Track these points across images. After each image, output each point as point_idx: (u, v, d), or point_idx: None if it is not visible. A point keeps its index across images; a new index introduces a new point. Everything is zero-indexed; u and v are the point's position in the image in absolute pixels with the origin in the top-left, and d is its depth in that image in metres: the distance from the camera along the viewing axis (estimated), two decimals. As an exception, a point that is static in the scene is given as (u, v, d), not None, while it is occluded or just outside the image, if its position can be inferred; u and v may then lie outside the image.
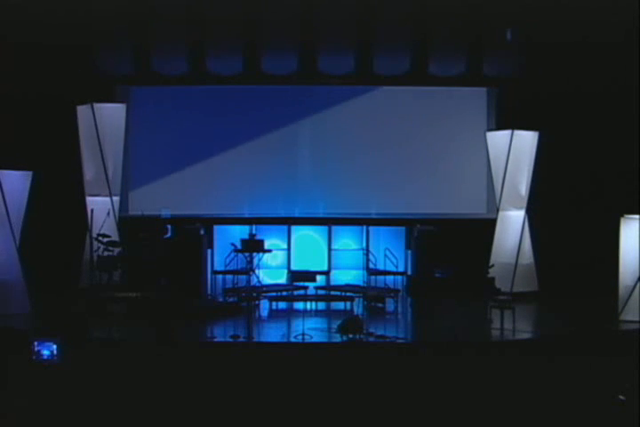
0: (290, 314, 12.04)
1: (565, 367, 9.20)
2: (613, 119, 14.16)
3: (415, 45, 14.39)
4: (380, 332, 10.08)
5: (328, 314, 12.06)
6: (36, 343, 9.10)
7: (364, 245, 14.84)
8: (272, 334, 10.44)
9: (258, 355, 9.39)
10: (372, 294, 12.58)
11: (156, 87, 15.56)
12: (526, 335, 10.76)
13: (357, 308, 12.19)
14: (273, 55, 14.74)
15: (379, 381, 8.97)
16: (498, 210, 14.19)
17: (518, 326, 10.83)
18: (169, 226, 13.13)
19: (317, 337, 9.91)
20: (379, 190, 15.48)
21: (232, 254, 12.85)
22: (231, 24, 13.47)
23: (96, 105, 14.03)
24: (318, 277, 11.94)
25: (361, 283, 13.53)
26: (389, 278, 13.60)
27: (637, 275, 11.18)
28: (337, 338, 9.84)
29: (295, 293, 13.00)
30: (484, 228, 14.26)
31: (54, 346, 9.08)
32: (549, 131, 13.97)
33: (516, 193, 14.01)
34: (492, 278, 12.67)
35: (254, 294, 12.11)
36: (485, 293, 11.96)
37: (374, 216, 15.43)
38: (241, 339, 9.70)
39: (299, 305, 12.54)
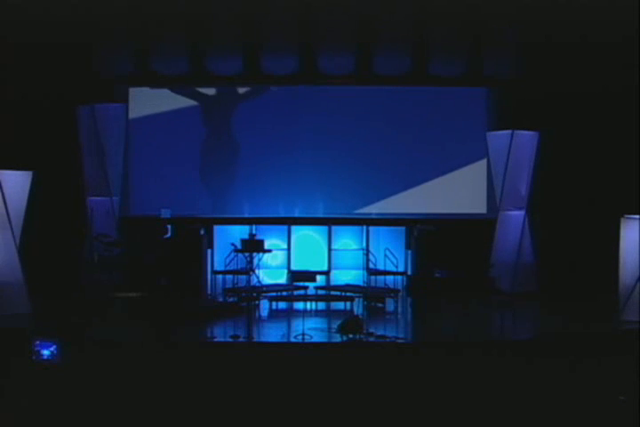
0: (290, 314, 12.04)
1: (565, 367, 9.20)
2: (613, 119, 14.16)
3: (415, 45, 14.38)
4: (380, 332, 10.08)
5: (328, 314, 12.06)
6: (36, 343, 9.10)
7: (364, 245, 14.86)
8: (272, 334, 10.44)
9: (258, 355, 9.38)
10: (372, 294, 12.58)
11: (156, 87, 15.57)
12: (526, 335, 10.76)
13: (357, 308, 12.19)
14: (273, 55, 14.73)
15: (379, 381, 8.97)
16: (498, 210, 14.20)
17: (518, 326, 10.83)
18: (169, 226, 13.14)
19: (317, 337, 9.91)
20: (379, 190, 15.49)
21: (232, 254, 12.85)
22: (231, 24, 13.46)
23: (96, 105, 14.05)
24: (318, 277, 11.95)
25: (361, 283, 13.54)
26: (389, 278, 13.60)
27: (637, 275, 11.17)
28: (337, 338, 9.84)
29: (295, 293, 13.00)
30: (484, 228, 14.27)
31: (54, 346, 9.09)
32: (549, 131, 13.97)
33: (516, 193, 14.02)
34: (493, 278, 12.67)
35: (254, 294, 12.12)
36: (485, 293, 11.95)
37: (374, 216, 15.44)
38: (241, 339, 9.70)
39: (299, 305, 12.54)
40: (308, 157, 15.51)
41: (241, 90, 15.70)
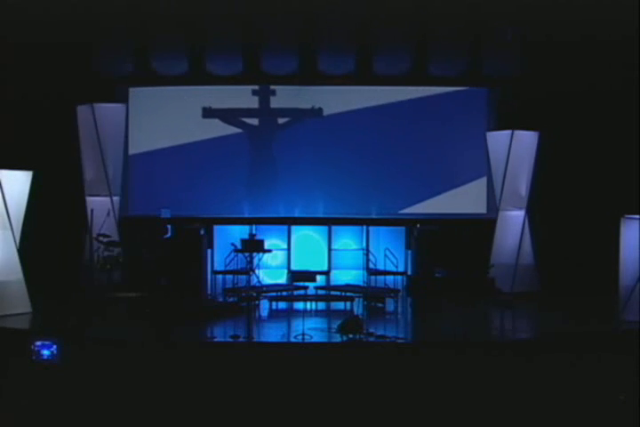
0: (290, 314, 12.03)
1: (565, 367, 9.20)
2: (613, 119, 14.16)
3: (415, 45, 14.38)
4: (380, 332, 10.07)
5: (328, 314, 12.05)
6: (36, 343, 9.10)
7: (364, 245, 14.86)
8: (272, 334, 10.43)
9: (258, 355, 9.38)
10: (372, 294, 12.58)
11: (156, 87, 15.56)
12: (526, 335, 10.76)
13: (357, 308, 12.19)
14: (273, 55, 14.73)
15: (379, 381, 8.97)
16: (498, 210, 14.21)
17: (518, 326, 10.82)
18: (169, 226, 13.13)
19: (317, 337, 9.90)
20: (379, 190, 15.49)
21: (232, 254, 12.85)
22: (231, 24, 13.47)
23: (96, 105, 14.05)
24: (318, 277, 11.95)
25: (361, 283, 13.54)
26: (389, 278, 13.60)
27: (637, 275, 11.17)
28: (337, 338, 9.83)
29: (295, 293, 12.99)
30: (484, 228, 14.27)
31: (54, 346, 9.09)
32: (549, 131, 13.97)
33: (516, 193, 14.02)
34: (493, 278, 12.67)
35: (254, 294, 12.11)
36: (485, 293, 11.94)
37: (374, 216, 15.43)
38: (241, 339, 9.70)
39: (299, 305, 12.53)
40: (307, 156, 15.51)
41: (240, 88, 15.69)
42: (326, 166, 15.43)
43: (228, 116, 15.57)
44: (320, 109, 15.43)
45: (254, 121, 15.67)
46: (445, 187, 15.52)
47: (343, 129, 15.54)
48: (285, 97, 15.62)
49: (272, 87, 15.58)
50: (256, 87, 15.54)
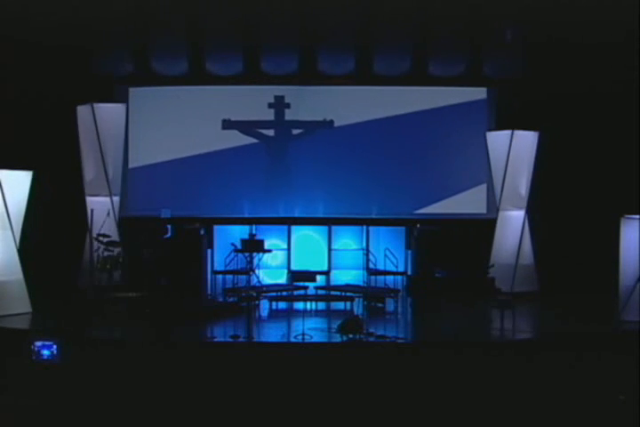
0: (290, 314, 12.04)
1: (565, 367, 9.20)
2: (613, 119, 14.16)
3: (415, 45, 14.38)
4: (380, 332, 10.07)
5: (328, 314, 12.06)
6: (36, 343, 9.11)
7: (364, 245, 14.87)
8: (272, 334, 10.43)
9: (258, 355, 9.39)
10: (372, 294, 12.58)
11: (156, 87, 15.56)
12: (526, 335, 10.76)
13: (357, 308, 12.20)
14: (273, 55, 14.74)
15: (379, 381, 8.97)
16: (498, 210, 14.21)
17: (518, 326, 10.83)
18: (169, 226, 13.13)
19: (317, 337, 9.90)
20: (379, 190, 15.48)
21: (232, 254, 12.86)
22: (231, 24, 13.47)
23: (96, 105, 14.05)
24: (318, 277, 11.96)
25: (361, 283, 13.54)
26: (389, 278, 13.61)
27: (637, 275, 11.17)
28: (337, 338, 9.83)
29: (295, 293, 13.00)
30: (484, 228, 14.27)
31: (54, 346, 9.10)
32: (549, 131, 13.97)
33: (516, 193, 14.02)
34: (492, 278, 12.67)
35: (254, 294, 12.11)
36: (485, 293, 11.94)
37: (374, 216, 15.43)
38: (241, 339, 9.70)
39: (299, 305, 12.54)
40: (308, 157, 15.50)
41: (241, 88, 15.69)
42: (326, 166, 15.43)
43: (246, 127, 15.65)
44: (331, 122, 15.49)
45: (269, 132, 15.74)
46: (445, 187, 15.48)
47: (344, 131, 15.52)
48: (286, 97, 15.62)
49: (286, 101, 15.62)
50: (272, 100, 15.60)
